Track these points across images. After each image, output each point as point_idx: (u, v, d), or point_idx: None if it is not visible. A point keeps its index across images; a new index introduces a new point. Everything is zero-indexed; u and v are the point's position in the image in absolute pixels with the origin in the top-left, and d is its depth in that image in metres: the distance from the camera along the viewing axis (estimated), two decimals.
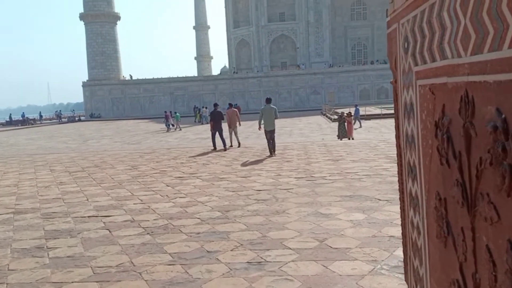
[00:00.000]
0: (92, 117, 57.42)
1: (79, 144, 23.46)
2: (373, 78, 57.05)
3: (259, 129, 12.76)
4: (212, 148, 14.75)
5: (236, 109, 15.54)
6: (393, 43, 1.44)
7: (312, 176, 8.32)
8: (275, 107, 12.51)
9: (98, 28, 59.43)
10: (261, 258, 4.14)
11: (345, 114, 18.39)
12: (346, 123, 17.48)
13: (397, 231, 4.63)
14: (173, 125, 31.97)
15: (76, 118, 58.13)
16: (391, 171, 8.34)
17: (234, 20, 67.66)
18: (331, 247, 4.31)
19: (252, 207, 6.14)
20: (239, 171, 9.48)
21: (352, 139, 16.83)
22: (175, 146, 17.85)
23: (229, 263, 4.07)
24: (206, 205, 6.45)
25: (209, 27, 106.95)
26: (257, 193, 7.12)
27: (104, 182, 9.03)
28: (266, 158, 11.49)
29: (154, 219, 5.82)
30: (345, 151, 11.90)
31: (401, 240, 1.73)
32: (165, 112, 34.31)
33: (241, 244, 4.57)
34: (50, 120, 63.63)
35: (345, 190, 6.91)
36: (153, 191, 7.82)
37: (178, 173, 9.70)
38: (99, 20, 59.17)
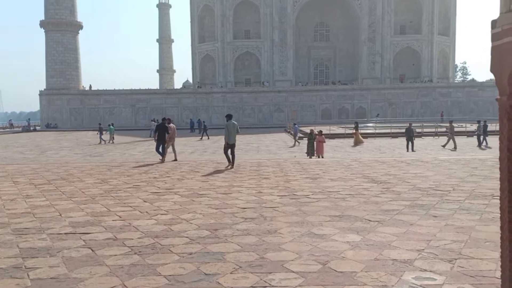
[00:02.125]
0: (48, 127, 55.21)
1: (37, 155, 22.37)
2: (334, 98, 58.30)
3: (225, 144, 13.47)
4: (160, 159, 15.37)
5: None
6: (507, 55, 1.35)
7: (294, 194, 8.21)
8: (236, 123, 13.60)
9: (59, 37, 57.66)
10: (265, 282, 3.94)
11: (316, 133, 18.55)
12: (315, 142, 17.61)
13: (398, 254, 4.58)
14: (103, 139, 31.40)
15: (31, 128, 55.67)
16: (372, 191, 8.37)
17: (200, 35, 67.61)
18: (335, 270, 4.17)
19: (241, 226, 5.93)
20: (218, 187, 9.24)
21: (323, 157, 16.94)
22: (141, 159, 17.33)
23: (231, 287, 3.85)
24: (191, 223, 6.18)
25: (173, 41, 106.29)
26: (242, 210, 6.92)
27: (75, 196, 8.53)
28: (227, 170, 11.96)
29: (139, 238, 5.49)
30: (321, 169, 11.91)
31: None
32: (99, 124, 34.37)
33: (240, 267, 4.35)
34: (3, 129, 60.65)
35: (332, 209, 6.83)
36: (131, 207, 7.45)
37: (154, 188, 9.34)
38: (61, 28, 57.48)
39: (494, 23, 1.45)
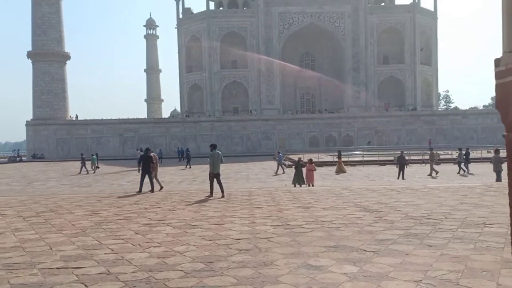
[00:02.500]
0: (35, 157, 54.50)
1: (24, 186, 22.00)
2: (321, 127, 58.87)
3: (209, 174, 13.76)
4: (137, 190, 15.29)
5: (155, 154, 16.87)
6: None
7: (288, 224, 8.18)
8: (220, 152, 13.91)
9: (46, 67, 57.71)
10: None
11: (302, 161, 18.63)
12: (305, 170, 17.66)
13: (397, 286, 4.57)
14: (86, 169, 31.28)
15: (18, 159, 54.85)
16: (365, 220, 8.39)
17: (187, 65, 68.29)
18: None
19: (236, 258, 5.88)
20: (210, 218, 9.17)
21: (313, 186, 16.97)
22: (130, 190, 17.15)
23: None
24: (185, 256, 6.10)
25: (160, 71, 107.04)
26: (236, 242, 6.86)
27: (65, 228, 8.38)
28: (213, 199, 11.83)
29: (133, 272, 5.39)
30: (312, 198, 11.91)
31: None
32: (82, 154, 34.46)
33: None
34: None
35: (327, 240, 6.82)
36: (122, 239, 7.34)
37: (145, 220, 9.22)
38: (48, 59, 57.60)
39: (497, 62, 1.52)
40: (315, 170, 18.32)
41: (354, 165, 32.41)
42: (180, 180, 24.55)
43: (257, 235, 7.29)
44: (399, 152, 23.95)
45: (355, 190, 13.77)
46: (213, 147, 13.78)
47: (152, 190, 15.26)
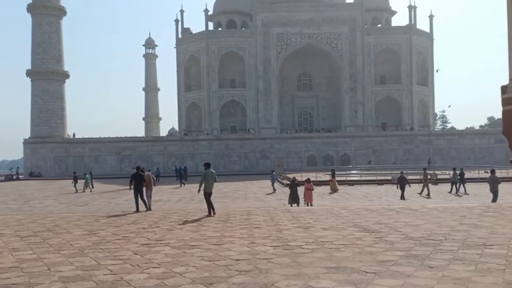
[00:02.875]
0: (32, 175, 54.25)
1: (21, 205, 21.86)
2: (319, 146, 59.00)
3: (198, 192, 13.87)
4: (135, 210, 15.20)
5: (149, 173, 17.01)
6: None
7: (288, 245, 8.15)
8: (214, 171, 14.01)
9: (45, 85, 57.93)
10: None
11: (303, 180, 18.61)
12: (303, 189, 17.63)
13: None
14: (76, 188, 31.16)
15: (15, 177, 54.56)
16: (365, 240, 8.36)
17: (186, 84, 68.72)
18: None
19: (236, 279, 5.83)
20: (209, 238, 9.12)
21: (312, 205, 16.93)
22: (128, 209, 17.06)
23: None
24: (185, 277, 6.05)
25: (159, 89, 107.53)
26: (236, 262, 6.82)
27: (63, 248, 8.31)
28: (208, 217, 11.95)
29: None
30: (311, 218, 11.88)
31: None
32: (74, 173, 34.42)
33: None
34: None
35: (327, 261, 6.78)
36: (121, 259, 7.28)
37: (143, 240, 9.16)
38: (47, 77, 57.86)
39: (504, 89, 1.57)
40: (313, 189, 18.30)
41: (352, 184, 32.38)
42: (178, 199, 24.46)
43: (257, 256, 7.25)
44: (399, 172, 23.91)
45: (354, 210, 13.74)
46: (207, 166, 13.92)
47: (148, 208, 15.20)
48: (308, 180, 18.19)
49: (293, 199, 17.96)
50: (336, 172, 41.80)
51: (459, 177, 25.18)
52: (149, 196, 15.95)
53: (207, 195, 13.46)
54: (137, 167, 16.41)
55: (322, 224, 10.80)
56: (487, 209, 13.24)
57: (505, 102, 1.58)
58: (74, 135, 60.85)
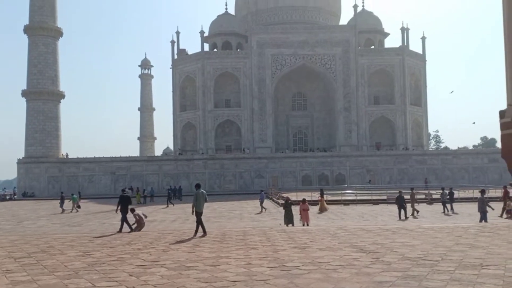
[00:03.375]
0: (25, 196, 53.73)
1: (14, 225, 21.62)
2: (314, 165, 59.05)
3: (192, 213, 14.16)
4: (129, 230, 15.50)
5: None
6: None
7: (284, 266, 8.11)
8: (205, 192, 14.64)
9: (40, 106, 57.88)
10: None
11: (291, 200, 18.59)
12: (299, 209, 17.59)
13: None
14: (63, 208, 30.95)
15: (7, 197, 53.99)
16: (362, 261, 8.35)
17: (181, 104, 68.96)
18: None
19: None
20: (205, 259, 9.06)
21: (308, 225, 16.88)
22: (123, 229, 16.92)
23: None
24: None
25: (154, 109, 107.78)
26: (233, 284, 6.78)
27: (57, 270, 8.23)
28: (203, 238, 11.92)
29: None
30: (308, 238, 11.84)
31: None
32: (62, 193, 34.30)
33: None
34: None
35: (325, 282, 6.76)
36: (116, 281, 7.22)
37: (139, 261, 9.09)
38: (43, 97, 57.84)
39: (502, 113, 1.63)
40: (308, 209, 18.27)
41: (348, 204, 32.36)
42: (173, 219, 24.32)
43: (254, 277, 7.22)
44: (396, 192, 23.83)
45: (350, 230, 13.72)
46: (198, 186, 14.50)
47: (120, 230, 15.41)
48: (303, 201, 18.18)
49: (288, 219, 17.90)
50: (331, 192, 41.90)
51: (448, 196, 25.34)
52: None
53: (198, 214, 13.85)
54: (123, 190, 17.08)
55: (319, 244, 10.77)
56: (482, 229, 13.28)
57: (504, 126, 1.65)
58: (67, 155, 60.55)
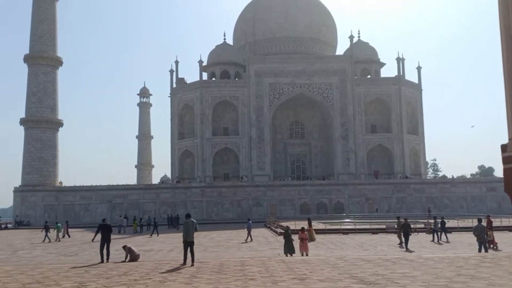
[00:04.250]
0: (20, 224, 53.09)
1: (9, 255, 21.31)
2: (312, 193, 58.84)
3: (182, 242, 14.33)
4: (100, 261, 15.61)
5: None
6: None
7: None
8: (195, 221, 14.71)
9: (38, 134, 57.90)
10: None
11: (290, 229, 18.42)
12: (300, 239, 17.42)
13: None
14: (49, 238, 30.59)
15: (2, 226, 53.31)
16: None
17: (179, 132, 69.21)
18: None
19: None
20: None
21: (307, 255, 16.69)
22: (118, 259, 16.71)
23: None
24: None
25: (152, 137, 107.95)
26: None
27: None
28: (205, 269, 11.65)
29: None
30: (307, 269, 11.69)
31: None
32: (46, 222, 33.91)
33: None
34: None
35: None
36: None
37: None
38: (41, 126, 57.93)
39: (504, 148, 1.67)
40: (307, 238, 18.09)
41: (347, 233, 32.06)
42: (170, 248, 24.02)
43: None
44: (403, 220, 23.47)
45: (350, 260, 13.57)
46: (188, 216, 14.86)
47: (102, 260, 15.60)
48: (302, 230, 18.03)
49: (288, 249, 17.68)
50: (330, 221, 41.59)
51: (440, 225, 25.33)
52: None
53: (187, 244, 14.00)
54: (103, 219, 17.28)
55: (318, 275, 10.63)
56: (483, 259, 13.15)
57: (506, 160, 1.68)
58: (61, 183, 60.12)
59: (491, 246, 19.87)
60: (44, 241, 29.81)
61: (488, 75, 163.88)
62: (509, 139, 1.57)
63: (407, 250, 20.06)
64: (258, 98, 65.65)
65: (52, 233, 31.62)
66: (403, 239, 22.78)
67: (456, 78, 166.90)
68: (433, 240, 24.55)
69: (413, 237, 26.48)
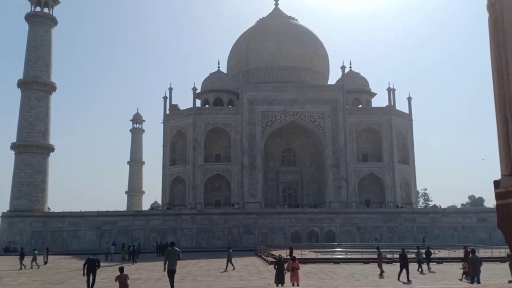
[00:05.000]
0: (7, 251, 52.02)
1: None
2: (304, 221, 58.56)
3: (164, 270, 14.70)
4: None
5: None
6: None
7: None
8: (178, 249, 15.09)
9: (29, 159, 57.44)
10: None
11: (283, 258, 18.33)
12: (291, 268, 17.29)
13: None
14: (23, 264, 30.26)
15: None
16: None
17: (171, 158, 69.15)
18: None
19: None
20: None
21: (298, 285, 16.55)
22: None
23: None
24: None
25: (143, 163, 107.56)
26: None
27: None
28: None
29: None
30: None
31: None
32: (22, 248, 34.11)
33: None
34: None
35: None
36: None
37: None
38: (31, 151, 57.52)
39: (497, 184, 1.79)
40: (298, 268, 17.97)
41: (338, 262, 31.87)
42: (158, 277, 23.64)
43: None
44: (400, 250, 23.24)
45: None
46: (171, 244, 15.35)
47: None
48: (293, 258, 17.93)
49: (279, 278, 17.54)
50: (322, 250, 41.32)
51: (424, 256, 25.49)
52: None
53: (170, 272, 14.21)
54: (88, 258, 17.95)
55: None
56: None
57: (499, 196, 1.77)
58: (48, 209, 59.31)
59: (466, 277, 19.78)
60: (20, 268, 29.30)
61: (478, 106, 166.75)
62: (502, 175, 1.68)
63: (409, 282, 19.47)
64: (250, 126, 66.10)
65: (27, 260, 31.08)
66: (383, 269, 22.73)
67: (447, 109, 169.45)
68: (418, 270, 24.54)
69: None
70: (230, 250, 29.46)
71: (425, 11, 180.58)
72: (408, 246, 43.10)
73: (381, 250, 26.25)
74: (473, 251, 19.62)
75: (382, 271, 23.07)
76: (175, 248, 14.90)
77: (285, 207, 65.85)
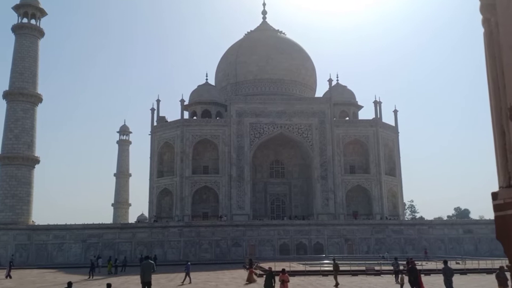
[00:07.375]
0: None
1: None
2: (292, 233, 58.47)
3: (141, 283, 15.38)
4: None
5: None
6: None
7: None
8: (153, 262, 16.00)
9: (13, 171, 56.59)
10: None
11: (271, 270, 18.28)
12: (281, 281, 17.26)
13: None
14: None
15: None
16: None
17: (158, 170, 68.75)
18: None
19: None
20: None
21: None
22: None
23: None
24: None
25: (130, 175, 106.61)
26: None
27: None
28: None
29: None
30: None
31: None
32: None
33: None
34: None
35: None
36: None
37: None
38: (16, 162, 56.71)
39: (495, 195, 1.87)
40: (288, 281, 17.95)
41: (326, 275, 31.84)
42: None
43: None
44: (403, 262, 23.08)
45: None
46: (146, 258, 16.28)
47: None
48: (283, 271, 17.91)
49: None
50: (310, 262, 41.32)
51: (401, 267, 25.77)
52: None
53: (144, 284, 14.74)
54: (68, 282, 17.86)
55: None
56: None
57: (497, 208, 1.83)
58: (33, 223, 58.29)
59: None
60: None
61: (461, 121, 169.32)
62: (500, 187, 1.76)
63: None
64: (238, 138, 66.19)
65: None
66: (338, 280, 22.90)
67: (432, 122, 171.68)
68: (396, 281, 24.76)
69: (391, 279, 26.49)
70: (189, 263, 29.95)
71: (411, 26, 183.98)
72: (423, 258, 43.32)
73: (370, 262, 26.36)
74: (445, 262, 19.52)
75: (337, 283, 23.45)
76: (150, 261, 15.59)
77: (279, 218, 65.74)
